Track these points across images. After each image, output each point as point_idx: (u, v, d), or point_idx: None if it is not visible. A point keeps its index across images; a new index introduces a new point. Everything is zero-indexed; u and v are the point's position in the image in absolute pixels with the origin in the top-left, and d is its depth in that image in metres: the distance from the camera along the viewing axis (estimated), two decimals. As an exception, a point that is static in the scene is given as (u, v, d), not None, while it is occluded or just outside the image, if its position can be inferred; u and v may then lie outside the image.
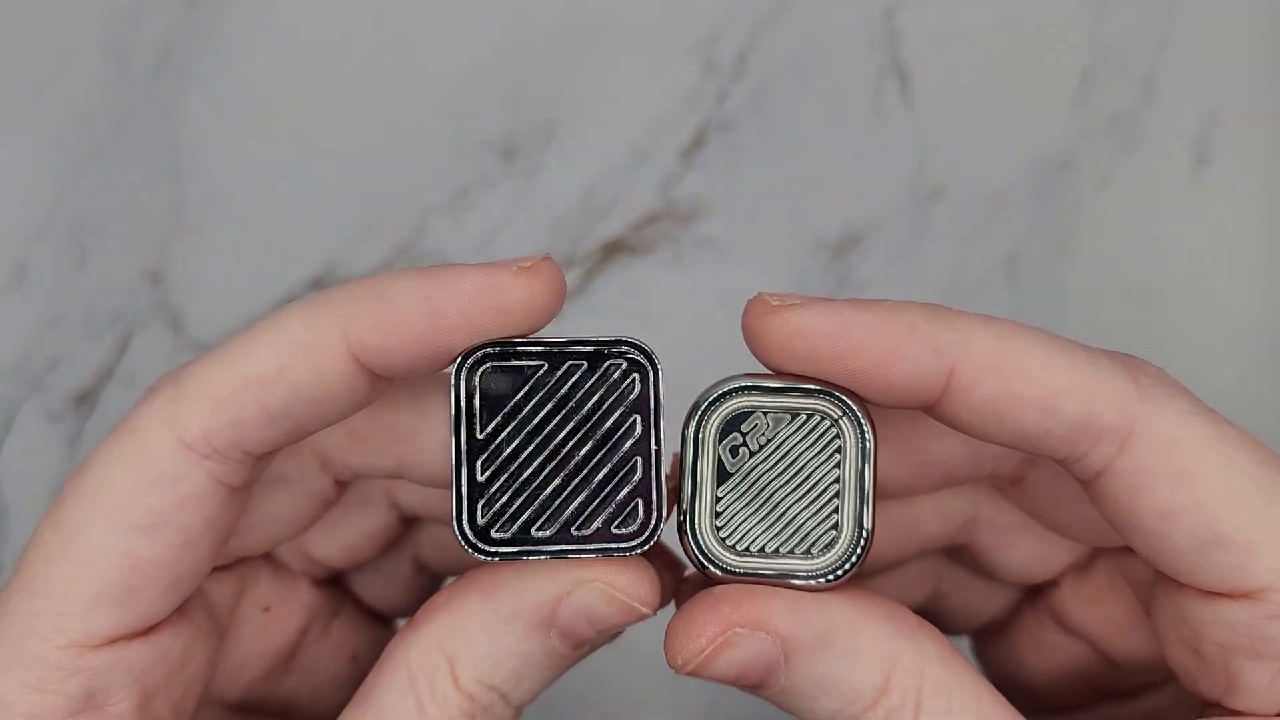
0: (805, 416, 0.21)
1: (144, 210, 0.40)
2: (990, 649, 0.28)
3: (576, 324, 0.40)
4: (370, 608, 0.28)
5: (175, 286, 0.40)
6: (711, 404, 0.21)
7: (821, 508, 0.21)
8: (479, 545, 0.20)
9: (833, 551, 0.21)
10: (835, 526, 0.21)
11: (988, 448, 0.23)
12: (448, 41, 0.41)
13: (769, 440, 0.21)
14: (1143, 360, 0.22)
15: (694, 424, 0.21)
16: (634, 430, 0.21)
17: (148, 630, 0.21)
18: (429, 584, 0.28)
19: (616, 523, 0.20)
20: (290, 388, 0.20)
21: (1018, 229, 0.40)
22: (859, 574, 0.25)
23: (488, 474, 0.20)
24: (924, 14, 0.41)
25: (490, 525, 0.20)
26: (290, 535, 0.25)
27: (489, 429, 0.20)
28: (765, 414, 0.21)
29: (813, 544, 0.21)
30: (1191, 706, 0.23)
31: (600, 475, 0.21)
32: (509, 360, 0.20)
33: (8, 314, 0.40)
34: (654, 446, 0.21)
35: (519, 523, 0.20)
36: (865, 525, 0.21)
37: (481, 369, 0.21)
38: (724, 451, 0.21)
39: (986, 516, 0.26)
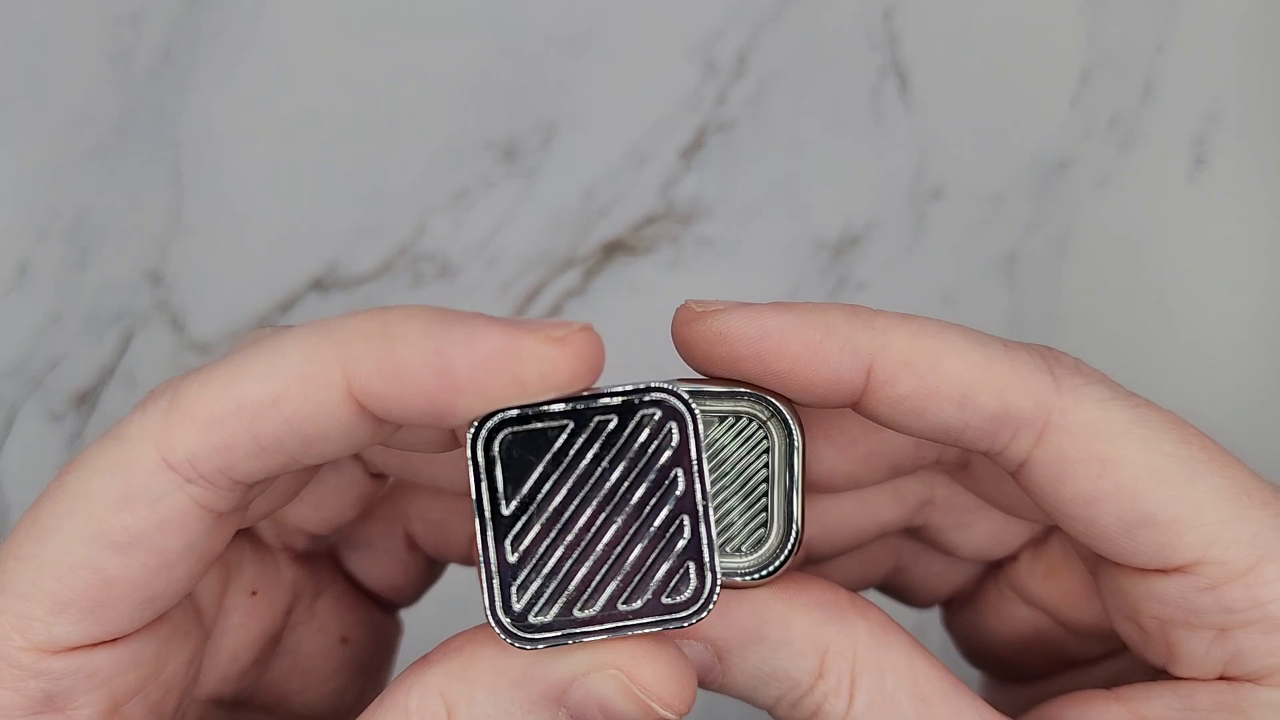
0: (734, 419, 0.21)
1: (145, 210, 0.40)
2: (958, 620, 0.29)
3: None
4: (367, 588, 0.27)
5: (176, 286, 0.40)
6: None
7: (751, 507, 0.21)
8: (518, 634, 0.18)
9: (763, 549, 0.21)
10: (764, 524, 0.21)
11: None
12: (448, 42, 0.41)
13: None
14: (1059, 351, 0.22)
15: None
16: (677, 487, 0.19)
17: (116, 638, 0.21)
18: (424, 564, 0.27)
19: (667, 592, 0.19)
20: (283, 420, 0.19)
21: (1016, 229, 0.40)
22: (815, 560, 0.26)
23: (519, 554, 0.18)
24: (923, 15, 0.41)
25: (528, 609, 0.18)
26: (277, 504, 0.24)
27: (515, 504, 0.19)
28: (704, 406, 0.21)
29: (744, 542, 0.21)
30: (1149, 673, 0.23)
31: (644, 542, 0.19)
32: (530, 424, 0.18)
33: (9, 314, 0.40)
34: (700, 502, 0.19)
35: (559, 604, 0.18)
36: (795, 521, 0.21)
37: (500, 435, 0.18)
38: None
39: (942, 497, 0.26)
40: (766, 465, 0.21)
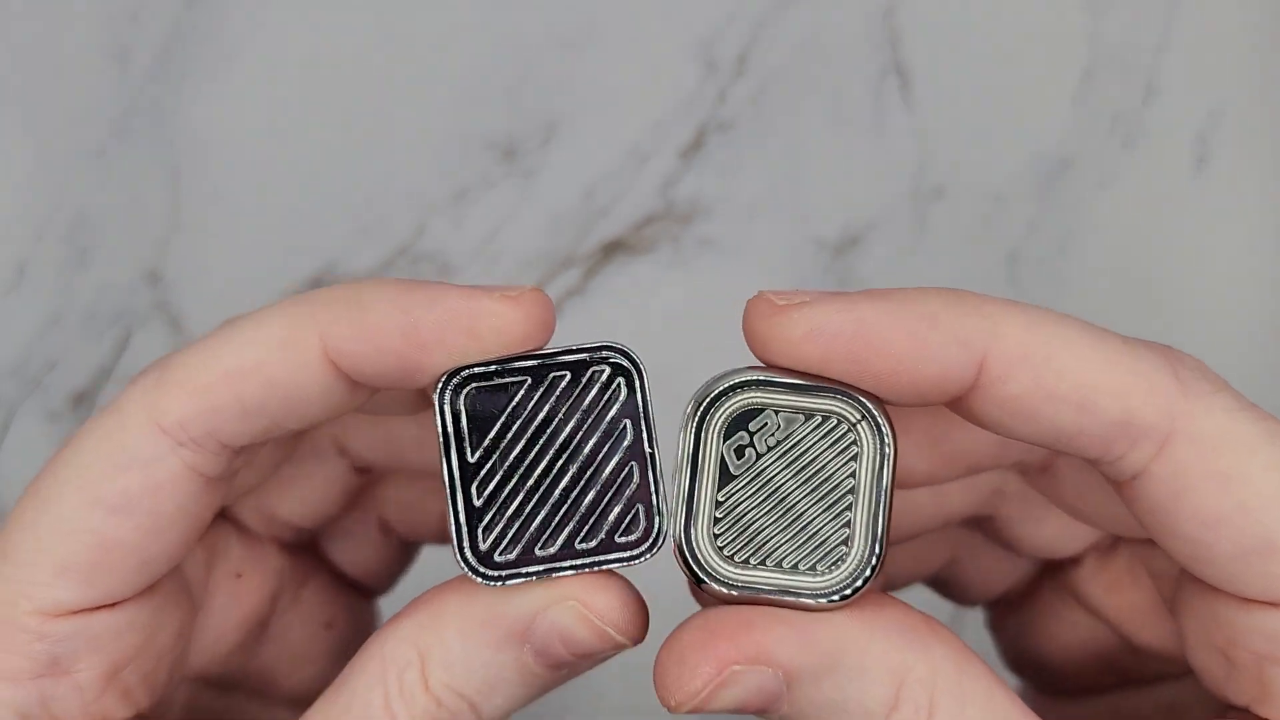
0: (821, 418, 0.19)
1: (143, 210, 0.40)
2: (1008, 622, 0.27)
3: (576, 324, 0.40)
4: (346, 576, 0.28)
5: (175, 286, 0.40)
6: (717, 398, 0.19)
7: (833, 520, 0.19)
8: (483, 571, 0.20)
9: (843, 568, 0.19)
10: (846, 541, 0.19)
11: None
12: (448, 41, 0.41)
13: (779, 442, 0.19)
14: (1180, 351, 0.20)
15: (695, 419, 0.19)
16: (626, 436, 0.20)
17: (115, 603, 0.22)
18: (398, 548, 0.28)
19: (619, 532, 0.20)
20: (266, 383, 0.20)
21: (1018, 228, 0.40)
22: None
23: (483, 499, 0.20)
24: (924, 14, 0.41)
25: (493, 549, 0.20)
26: (257, 480, 0.25)
27: (479, 451, 0.20)
28: (777, 413, 0.19)
29: (821, 559, 0.19)
30: (1211, 703, 0.22)
31: (597, 486, 0.20)
32: (492, 380, 0.20)
33: (7, 314, 0.40)
34: (647, 450, 0.20)
35: (521, 544, 0.20)
36: (879, 540, 0.19)
37: (465, 390, 0.20)
38: (728, 451, 0.19)
39: (1014, 490, 0.25)
40: (853, 474, 0.19)
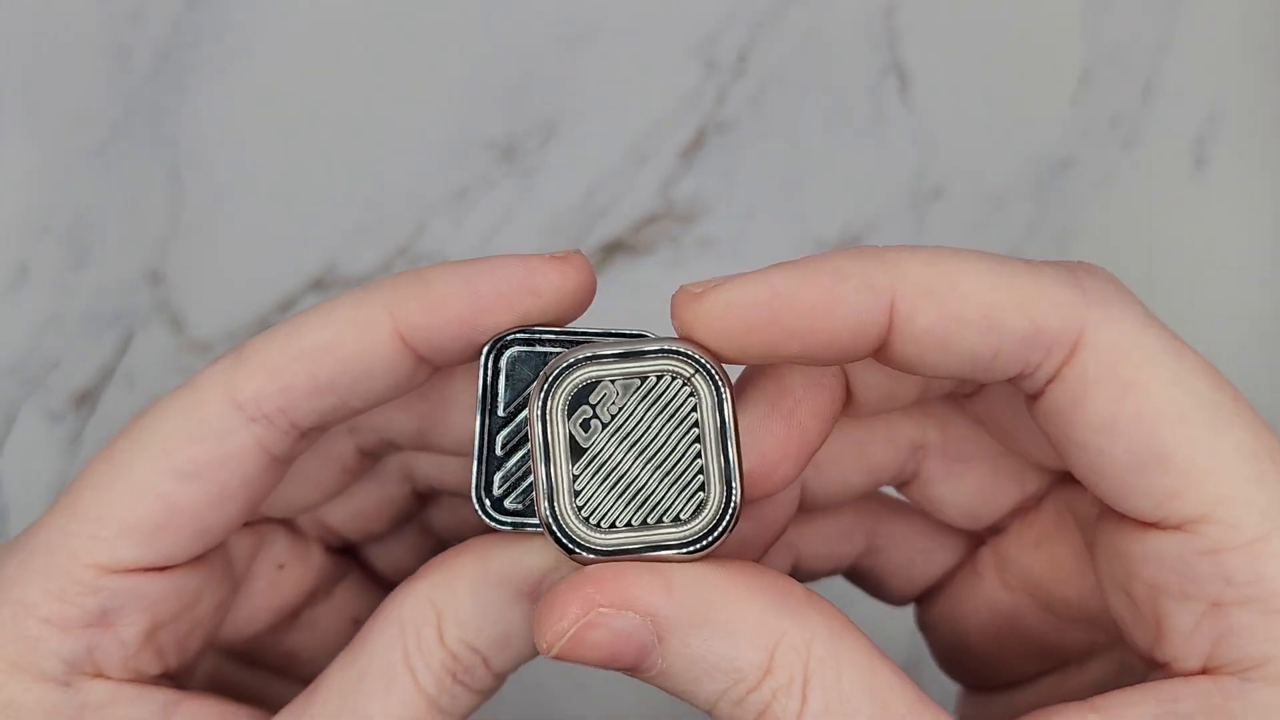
0: (655, 378, 0.20)
1: (144, 210, 0.40)
2: (932, 614, 0.27)
3: (576, 324, 0.40)
4: (379, 574, 0.29)
5: (176, 286, 0.40)
6: (555, 379, 0.20)
7: (684, 472, 0.20)
8: (493, 514, 0.22)
9: (702, 516, 0.20)
10: (703, 487, 0.20)
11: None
12: (448, 41, 0.41)
13: (620, 409, 0.20)
14: (1091, 265, 0.21)
15: (539, 401, 0.20)
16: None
17: (166, 567, 0.23)
18: (436, 549, 0.28)
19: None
20: (338, 361, 0.22)
21: (1017, 228, 0.40)
22: (808, 510, 0.25)
23: (505, 449, 0.22)
24: (924, 14, 0.41)
25: (505, 496, 0.21)
26: (314, 503, 0.26)
27: (510, 408, 0.22)
28: (613, 382, 0.20)
29: (680, 511, 0.20)
30: (1136, 675, 0.22)
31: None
32: (534, 346, 0.22)
33: (8, 314, 0.40)
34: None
35: (530, 498, 0.21)
36: (733, 480, 0.19)
37: (508, 352, 0.22)
38: (575, 427, 0.20)
39: (936, 442, 0.25)
40: (696, 424, 0.20)
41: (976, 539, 0.26)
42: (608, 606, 0.19)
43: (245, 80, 0.41)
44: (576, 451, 0.20)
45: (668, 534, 0.20)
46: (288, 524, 0.27)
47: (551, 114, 0.41)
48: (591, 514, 0.20)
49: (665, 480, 0.20)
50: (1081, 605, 0.24)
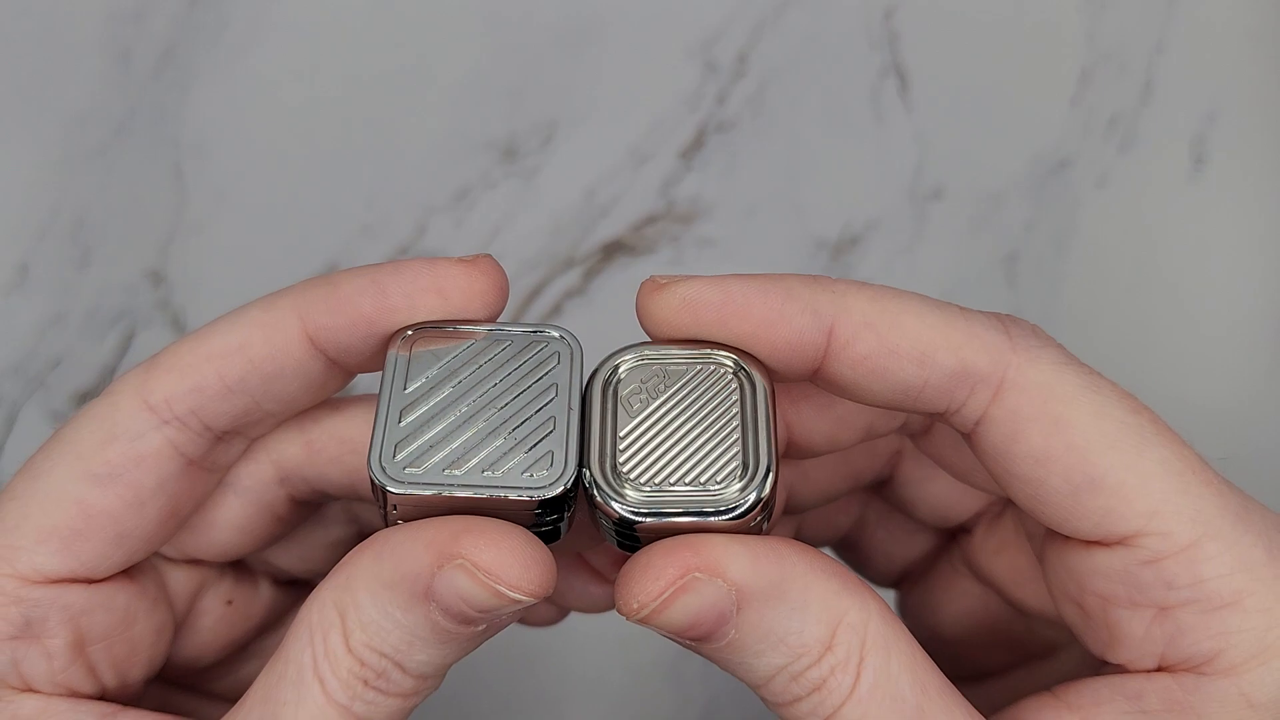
0: (701, 365, 0.22)
1: (146, 210, 0.41)
2: (912, 599, 0.29)
3: (576, 324, 0.40)
4: None
5: (177, 286, 0.40)
6: (609, 360, 0.22)
7: (726, 448, 0.21)
8: (392, 478, 0.21)
9: (739, 486, 0.21)
10: (740, 462, 0.21)
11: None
12: (449, 42, 0.41)
13: (669, 389, 0.22)
14: (1017, 317, 0.22)
15: (596, 378, 0.22)
16: (552, 394, 0.22)
17: (91, 580, 0.23)
18: None
19: (528, 470, 0.21)
20: (247, 362, 0.22)
21: (1016, 228, 0.41)
22: (793, 512, 0.27)
23: (408, 421, 0.21)
24: (923, 15, 0.41)
25: (405, 463, 0.21)
26: (251, 549, 0.26)
27: (416, 384, 0.22)
28: (665, 368, 0.22)
29: (719, 482, 0.21)
30: (1094, 668, 0.23)
31: (513, 429, 0.21)
32: (445, 336, 0.22)
33: (10, 313, 0.40)
34: (569, 410, 0.21)
35: (433, 461, 0.21)
36: (771, 458, 0.21)
37: (417, 340, 0.22)
38: (624, 403, 0.22)
39: (910, 449, 0.26)
40: (737, 404, 0.21)
41: (951, 534, 0.28)
42: (703, 572, 0.20)
43: (247, 81, 0.41)
44: (623, 423, 0.21)
45: (708, 499, 0.21)
46: (235, 562, 0.27)
47: (552, 114, 0.41)
48: (632, 477, 0.21)
49: (708, 454, 0.21)
50: (1041, 607, 0.26)
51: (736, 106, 0.41)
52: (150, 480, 0.22)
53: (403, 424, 0.21)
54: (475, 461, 0.21)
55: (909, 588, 0.29)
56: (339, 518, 0.27)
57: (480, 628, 0.21)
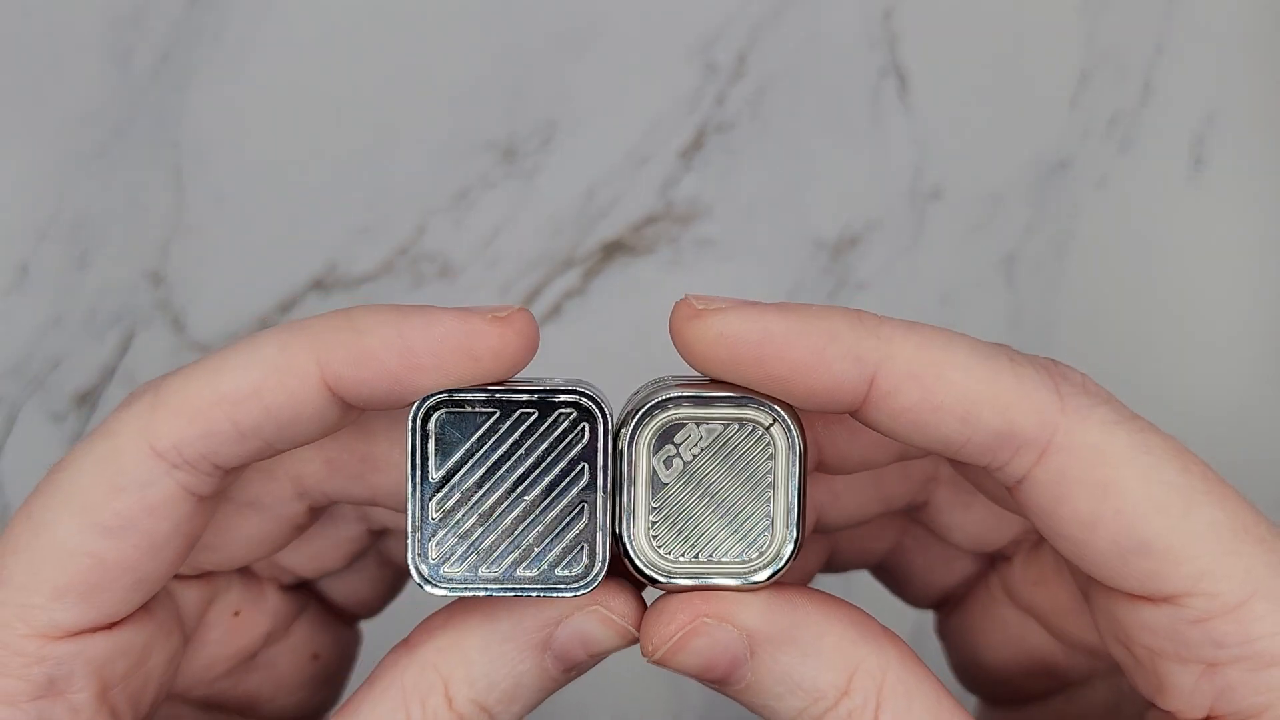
0: (738, 425, 0.22)
1: (145, 211, 0.41)
2: (950, 624, 0.29)
3: (576, 324, 0.40)
4: (338, 606, 0.29)
5: (177, 287, 0.40)
6: (644, 416, 0.22)
7: (754, 514, 0.22)
8: (430, 580, 0.21)
9: (765, 554, 0.21)
10: (768, 530, 0.21)
11: None
12: (448, 42, 0.41)
13: (703, 450, 0.22)
14: (1067, 367, 0.22)
15: (627, 437, 0.22)
16: (581, 478, 0.21)
17: (111, 624, 0.22)
18: (394, 578, 0.29)
19: (561, 565, 0.21)
20: (263, 409, 0.21)
21: (1015, 230, 0.41)
22: (822, 530, 0.27)
23: (440, 514, 0.21)
24: (923, 15, 0.41)
25: (442, 561, 0.21)
26: (261, 556, 0.26)
27: (443, 471, 0.21)
28: (698, 424, 0.22)
29: (746, 548, 0.21)
30: (1138, 700, 0.23)
31: (546, 521, 0.21)
32: (463, 408, 0.21)
33: (10, 314, 0.40)
34: (601, 495, 0.21)
35: (467, 562, 0.21)
36: (797, 525, 0.21)
37: (436, 414, 0.21)
38: (658, 464, 0.22)
39: (947, 474, 0.26)
40: (770, 472, 0.21)
41: (990, 559, 0.28)
42: (712, 618, 0.21)
43: (246, 81, 0.41)
44: (657, 486, 0.22)
45: (732, 567, 0.21)
46: (242, 570, 0.27)
47: (552, 115, 0.41)
48: (663, 545, 0.22)
49: (738, 518, 0.22)
50: (1082, 639, 0.26)
51: (736, 107, 0.41)
52: (165, 526, 0.22)
53: (434, 516, 0.21)
54: (511, 559, 0.21)
55: (949, 611, 0.28)
56: (349, 517, 0.27)
57: (573, 674, 0.22)
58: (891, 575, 0.29)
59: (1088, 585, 0.23)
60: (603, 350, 0.40)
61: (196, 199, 0.41)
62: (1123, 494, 0.20)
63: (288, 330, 0.21)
